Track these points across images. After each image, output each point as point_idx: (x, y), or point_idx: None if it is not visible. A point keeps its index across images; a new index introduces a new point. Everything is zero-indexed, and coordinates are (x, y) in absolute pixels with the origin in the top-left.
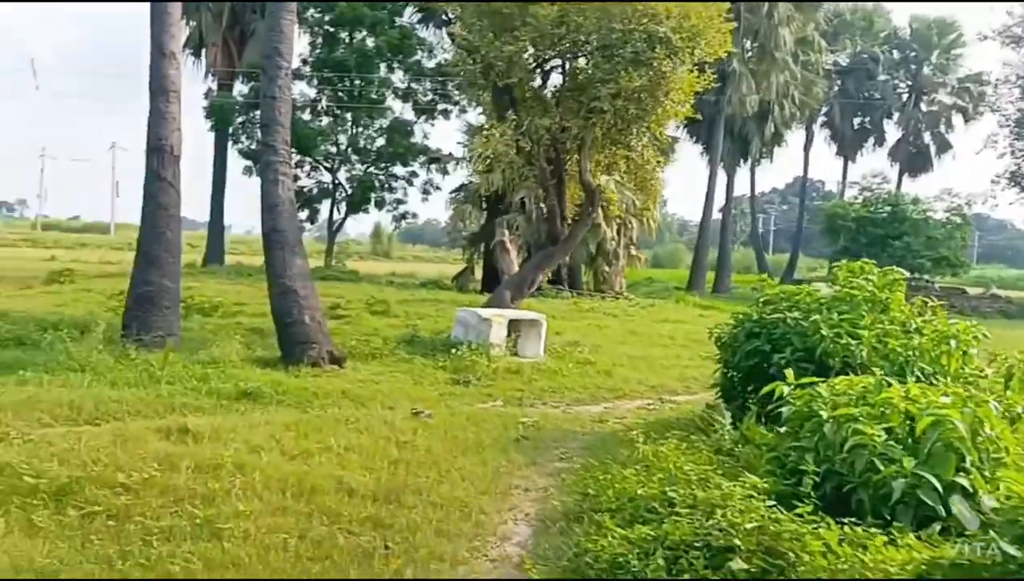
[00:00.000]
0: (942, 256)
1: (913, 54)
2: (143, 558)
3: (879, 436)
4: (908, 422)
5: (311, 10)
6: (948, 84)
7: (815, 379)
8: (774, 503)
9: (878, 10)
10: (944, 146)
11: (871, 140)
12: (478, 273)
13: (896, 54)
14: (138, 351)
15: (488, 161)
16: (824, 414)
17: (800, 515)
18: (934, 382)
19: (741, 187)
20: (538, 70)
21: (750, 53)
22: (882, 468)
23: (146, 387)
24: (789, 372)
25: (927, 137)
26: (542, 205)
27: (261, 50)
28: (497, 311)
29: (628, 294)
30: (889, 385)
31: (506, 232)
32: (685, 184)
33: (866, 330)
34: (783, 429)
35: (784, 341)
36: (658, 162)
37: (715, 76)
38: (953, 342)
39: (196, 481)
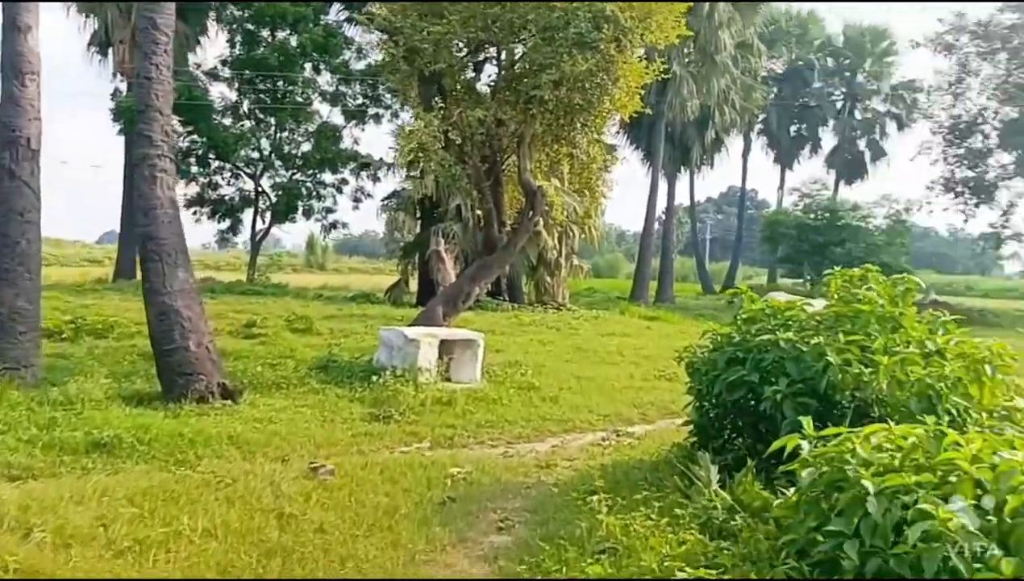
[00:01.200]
0: (883, 263)
1: (847, 61)
2: None
3: (956, 521)
4: (979, 491)
5: (230, 8)
6: (882, 91)
7: (841, 430)
8: None
9: (813, 15)
10: (879, 153)
11: (807, 147)
12: (413, 285)
13: (831, 62)
14: None
15: (414, 156)
16: (868, 484)
17: None
18: (967, 419)
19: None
20: (470, 58)
21: (689, 56)
22: (964, 570)
23: None
24: (807, 422)
25: (862, 144)
26: (478, 211)
27: (136, 24)
28: (427, 330)
29: (571, 305)
30: (943, 435)
31: (442, 241)
32: (619, 192)
33: (883, 355)
34: (794, 496)
35: (777, 369)
36: (605, 162)
37: (665, 66)
38: (988, 368)
39: None
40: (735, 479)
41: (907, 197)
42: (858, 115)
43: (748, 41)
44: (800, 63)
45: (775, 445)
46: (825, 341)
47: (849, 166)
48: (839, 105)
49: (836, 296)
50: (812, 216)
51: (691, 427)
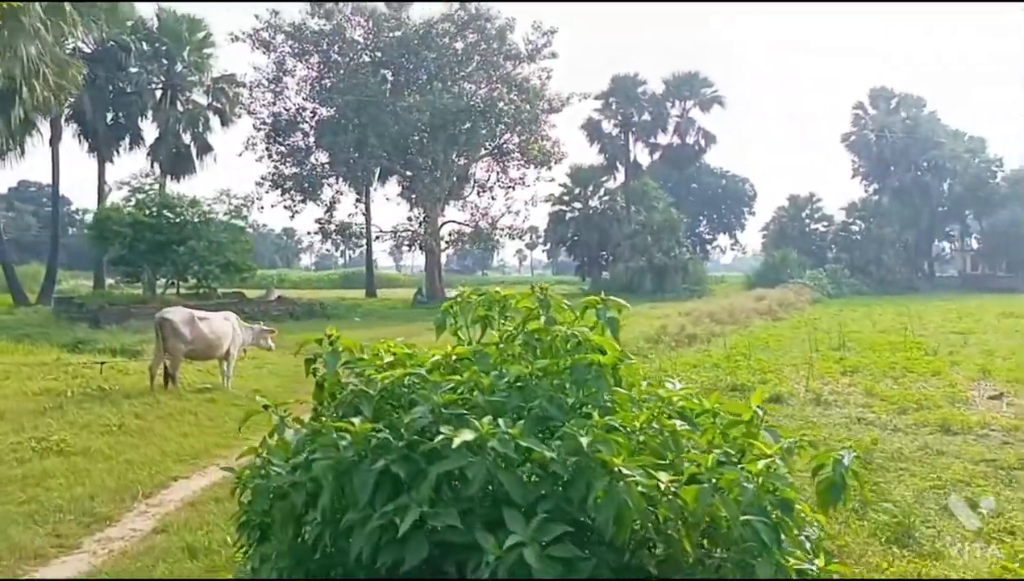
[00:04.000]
0: (230, 261)
1: (164, 48)
2: None
3: None
4: None
5: None
6: (203, 83)
7: None
8: None
9: None
10: (205, 148)
11: (127, 138)
12: None
13: (146, 46)
14: None
15: None
16: None
17: None
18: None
19: None
20: None
21: None
22: None
23: None
24: None
25: (187, 137)
26: None
27: None
28: None
29: None
30: None
31: None
32: None
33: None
34: None
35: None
36: None
37: None
38: (767, 433)
39: None
40: None
41: (241, 194)
42: (180, 107)
43: (60, 5)
44: (114, 44)
45: None
46: (595, 436)
47: (175, 160)
48: (159, 95)
49: (468, 329)
50: (146, 213)
51: None
